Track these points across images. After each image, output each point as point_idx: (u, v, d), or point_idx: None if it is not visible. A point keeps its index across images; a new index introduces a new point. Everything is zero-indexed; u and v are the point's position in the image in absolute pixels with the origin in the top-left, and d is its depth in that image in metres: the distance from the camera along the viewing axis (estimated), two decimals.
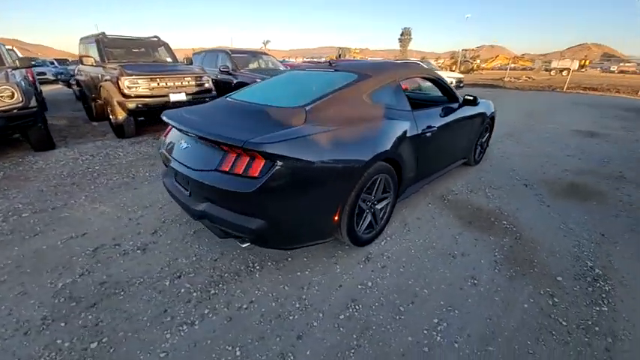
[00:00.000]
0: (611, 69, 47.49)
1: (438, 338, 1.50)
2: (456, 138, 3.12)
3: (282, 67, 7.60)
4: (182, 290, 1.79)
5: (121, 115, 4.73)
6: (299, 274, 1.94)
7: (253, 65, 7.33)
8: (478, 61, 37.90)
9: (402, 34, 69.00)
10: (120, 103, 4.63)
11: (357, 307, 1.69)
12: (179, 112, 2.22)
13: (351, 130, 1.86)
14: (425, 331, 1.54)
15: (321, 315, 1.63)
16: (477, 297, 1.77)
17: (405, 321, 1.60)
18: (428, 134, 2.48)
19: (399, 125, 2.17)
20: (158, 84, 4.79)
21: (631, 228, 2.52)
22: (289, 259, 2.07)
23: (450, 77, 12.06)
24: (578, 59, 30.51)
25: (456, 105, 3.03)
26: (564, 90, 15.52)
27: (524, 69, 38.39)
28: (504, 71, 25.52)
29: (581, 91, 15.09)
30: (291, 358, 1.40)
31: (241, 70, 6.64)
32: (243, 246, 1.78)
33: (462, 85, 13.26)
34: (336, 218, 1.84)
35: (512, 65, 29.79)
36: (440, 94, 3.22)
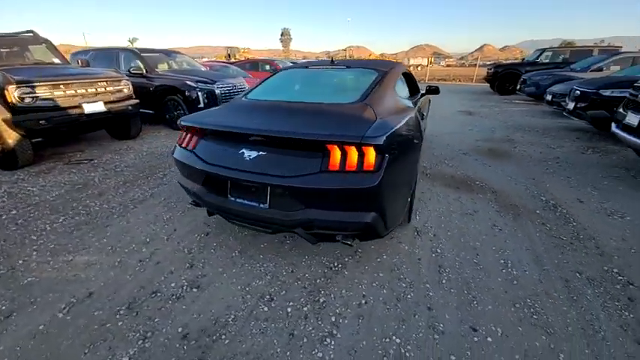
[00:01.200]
0: (441, 64, 62.14)
1: (514, 272, 1.91)
2: (423, 120, 3.70)
3: (202, 68, 6.88)
4: (288, 309, 1.62)
5: (12, 138, 3.41)
6: (379, 260, 2.03)
7: (163, 66, 6.37)
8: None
9: (282, 35, 71.08)
10: (8, 122, 3.33)
11: (446, 270, 1.93)
12: (211, 116, 1.92)
13: (407, 120, 2.05)
14: (503, 271, 1.93)
15: (428, 286, 1.80)
16: (508, 237, 2.29)
17: (486, 269, 1.95)
18: (420, 118, 2.90)
19: (415, 112, 2.49)
20: (65, 92, 3.67)
21: (544, 171, 3.64)
22: (359, 250, 2.12)
23: None
24: (421, 57, 38.38)
25: (419, 94, 3.59)
26: (426, 81, 19.53)
27: None
28: None
29: (437, 82, 19.34)
30: (440, 326, 1.53)
31: (159, 72, 5.71)
32: (349, 243, 1.73)
33: None
34: (409, 199, 2.02)
35: None
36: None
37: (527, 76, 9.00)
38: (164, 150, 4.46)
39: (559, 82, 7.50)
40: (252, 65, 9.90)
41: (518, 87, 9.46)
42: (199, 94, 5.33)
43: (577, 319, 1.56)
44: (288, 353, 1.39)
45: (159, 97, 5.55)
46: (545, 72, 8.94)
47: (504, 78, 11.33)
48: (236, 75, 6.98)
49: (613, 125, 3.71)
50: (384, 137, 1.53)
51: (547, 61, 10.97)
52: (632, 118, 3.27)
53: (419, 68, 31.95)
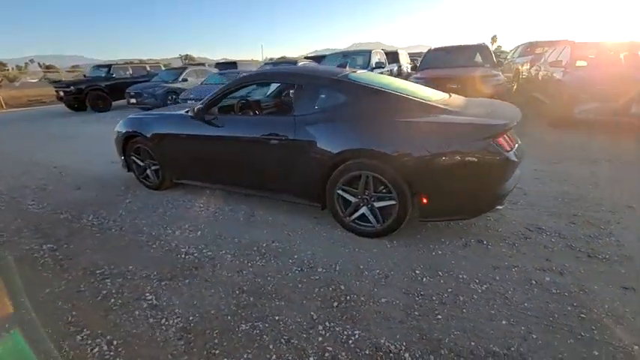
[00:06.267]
0: None
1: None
2: None
3: None
4: None
5: None
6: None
7: None
8: None
9: None
10: None
11: None
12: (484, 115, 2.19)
13: None
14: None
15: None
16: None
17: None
18: None
19: None
20: None
21: None
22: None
23: None
24: None
25: None
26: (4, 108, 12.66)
27: None
28: None
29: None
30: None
31: None
32: None
33: None
34: None
35: None
36: None
37: (135, 90, 8.81)
38: None
39: (173, 92, 8.33)
40: None
41: (130, 100, 8.92)
42: None
43: None
44: None
45: None
46: (152, 84, 8.97)
47: (93, 94, 9.91)
48: None
49: None
50: None
51: (115, 75, 10.61)
52: None
53: None
